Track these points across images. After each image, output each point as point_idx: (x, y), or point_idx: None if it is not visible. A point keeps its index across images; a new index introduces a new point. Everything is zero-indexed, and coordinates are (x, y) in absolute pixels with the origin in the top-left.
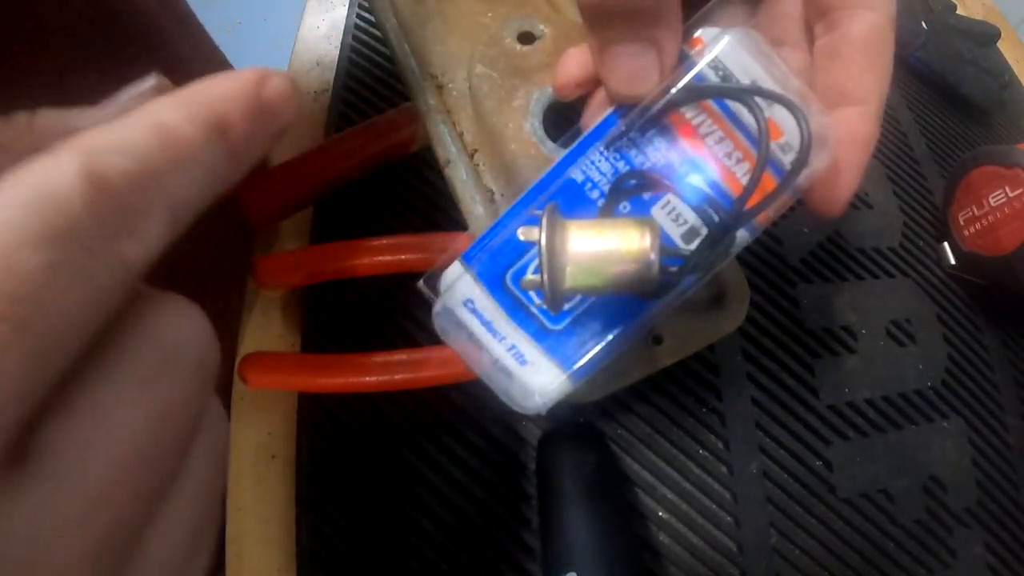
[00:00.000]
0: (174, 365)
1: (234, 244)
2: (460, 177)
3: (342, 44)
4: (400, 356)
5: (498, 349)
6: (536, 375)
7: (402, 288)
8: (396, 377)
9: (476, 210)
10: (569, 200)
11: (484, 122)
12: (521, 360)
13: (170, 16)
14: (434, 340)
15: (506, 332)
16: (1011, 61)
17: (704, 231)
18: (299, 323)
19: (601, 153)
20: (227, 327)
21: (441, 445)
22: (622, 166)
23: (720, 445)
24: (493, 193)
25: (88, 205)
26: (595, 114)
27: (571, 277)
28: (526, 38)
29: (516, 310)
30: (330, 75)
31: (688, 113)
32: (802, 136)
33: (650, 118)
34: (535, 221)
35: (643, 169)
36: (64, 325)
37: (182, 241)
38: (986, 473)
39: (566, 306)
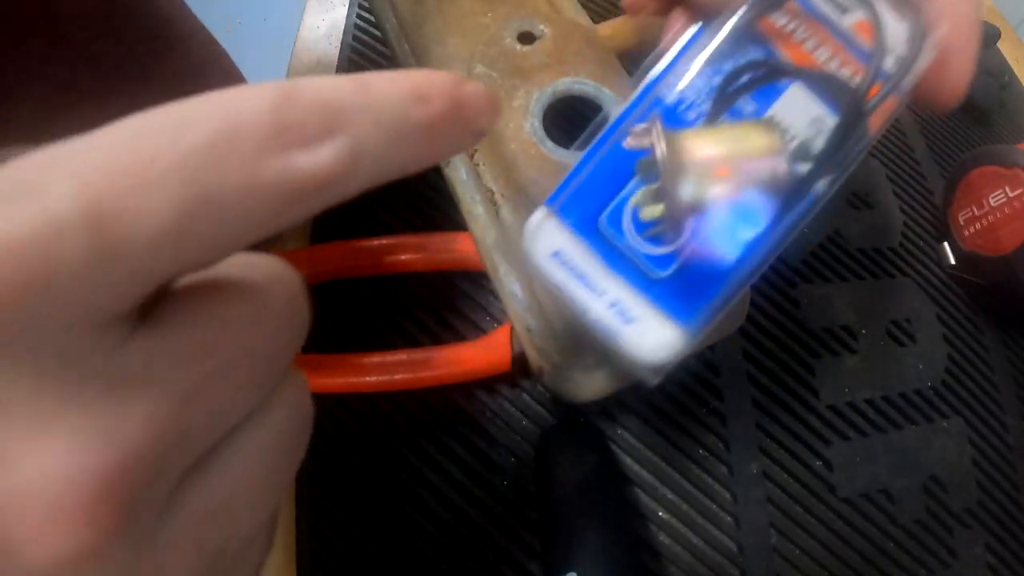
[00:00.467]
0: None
1: None
2: (460, 177)
3: (342, 44)
4: (400, 356)
5: (597, 306)
6: (646, 333)
7: (402, 288)
8: (396, 377)
9: (476, 210)
10: (664, 122)
11: None
12: (626, 317)
13: (184, 19)
14: (434, 340)
15: (605, 285)
16: (1011, 61)
17: (827, 130)
18: None
19: (693, 70)
20: None
21: (441, 445)
22: (717, 80)
23: (720, 445)
24: (493, 193)
25: (273, 111)
26: (676, 35)
27: (695, 187)
28: (526, 38)
29: (615, 258)
30: (330, 75)
31: (779, 20)
32: (915, 18)
33: (741, 27)
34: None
35: (760, 59)
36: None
37: None
38: (986, 473)
39: (670, 248)
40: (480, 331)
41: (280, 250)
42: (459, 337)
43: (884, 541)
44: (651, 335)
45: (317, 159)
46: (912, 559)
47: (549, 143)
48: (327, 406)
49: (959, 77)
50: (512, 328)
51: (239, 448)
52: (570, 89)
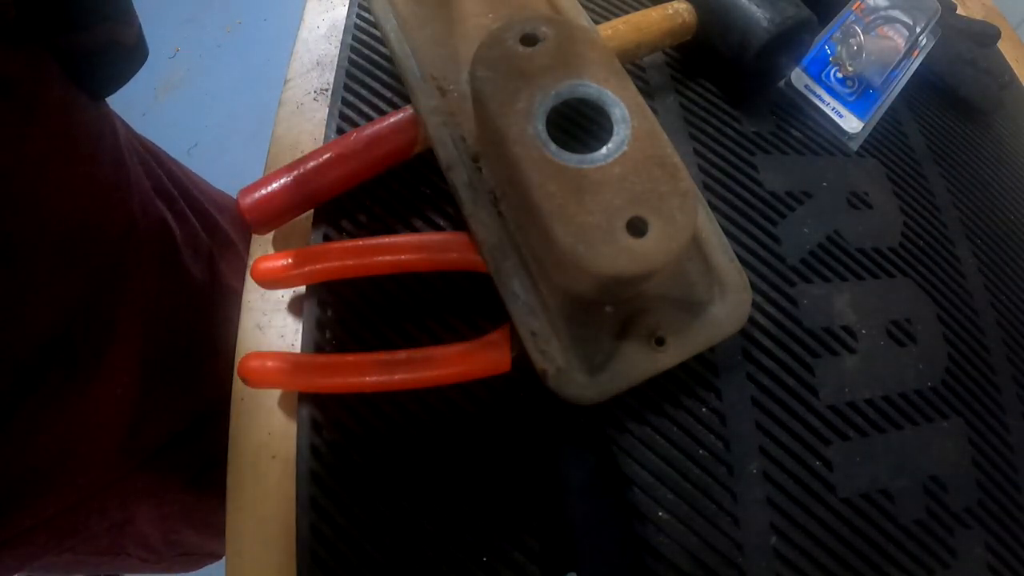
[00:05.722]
0: None
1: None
2: (462, 180)
3: (342, 44)
4: (400, 356)
5: (827, 109)
6: (847, 122)
7: (402, 288)
8: (396, 377)
9: (478, 212)
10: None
11: (486, 125)
12: (839, 114)
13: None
14: (434, 340)
15: (828, 100)
16: (1011, 61)
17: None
18: (299, 323)
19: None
20: (226, 328)
21: (441, 445)
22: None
23: (720, 445)
24: (495, 196)
25: None
26: None
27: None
28: (528, 40)
29: (831, 91)
30: (330, 75)
31: None
32: None
33: None
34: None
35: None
36: None
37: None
38: (986, 473)
39: (855, 87)
40: (480, 331)
41: (280, 250)
42: (459, 337)
43: (884, 541)
44: (851, 121)
45: None
46: (912, 559)
47: (552, 146)
48: (327, 406)
49: None
50: (512, 328)
51: None
52: (573, 92)
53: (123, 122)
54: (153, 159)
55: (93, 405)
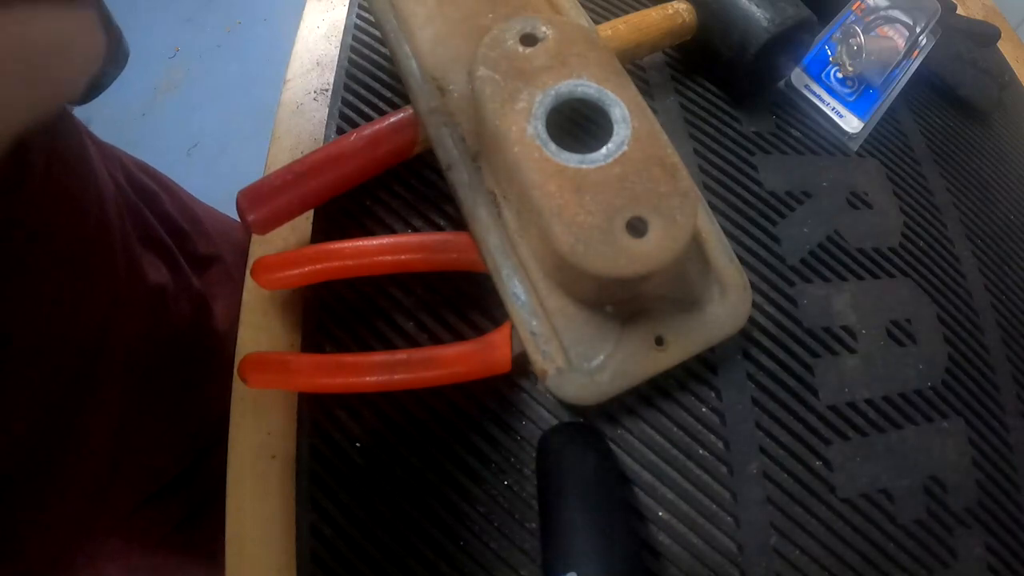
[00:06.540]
0: None
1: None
2: (462, 180)
3: (342, 44)
4: (400, 356)
5: (827, 109)
6: (847, 122)
7: (402, 288)
8: (396, 377)
9: (478, 212)
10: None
11: (486, 125)
12: (839, 114)
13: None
14: (434, 340)
15: (828, 100)
16: (1011, 61)
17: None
18: (299, 323)
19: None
20: (227, 330)
21: (441, 445)
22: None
23: (720, 445)
24: (495, 196)
25: None
26: None
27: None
28: (528, 40)
29: (831, 91)
30: (330, 75)
31: None
32: None
33: None
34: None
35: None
36: None
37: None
38: (986, 473)
39: (855, 87)
40: (480, 331)
41: (280, 250)
42: (459, 337)
43: (884, 541)
44: (851, 121)
45: None
46: (912, 559)
47: (552, 146)
48: (327, 406)
49: None
50: (512, 328)
51: None
52: (572, 91)
53: (115, 154)
54: (149, 201)
55: (66, 469)
